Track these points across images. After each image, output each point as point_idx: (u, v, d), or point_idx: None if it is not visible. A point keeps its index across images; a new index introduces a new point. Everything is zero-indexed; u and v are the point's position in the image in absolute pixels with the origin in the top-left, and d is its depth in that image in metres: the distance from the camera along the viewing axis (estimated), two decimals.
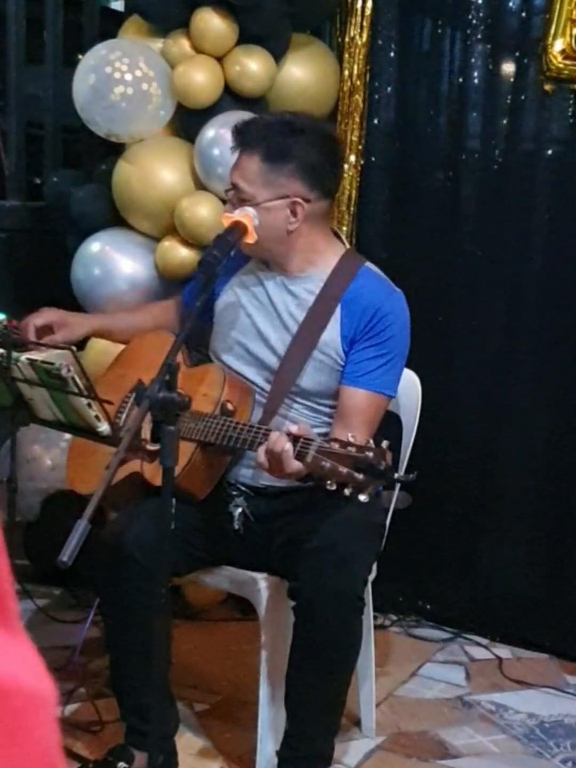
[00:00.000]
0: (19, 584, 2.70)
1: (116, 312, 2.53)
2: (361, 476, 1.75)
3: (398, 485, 2.29)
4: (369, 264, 2.19)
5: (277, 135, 2.05)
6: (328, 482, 1.78)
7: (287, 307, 2.14)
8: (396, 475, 1.81)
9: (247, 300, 2.19)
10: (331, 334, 2.09)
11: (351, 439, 1.79)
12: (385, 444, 1.78)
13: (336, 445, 1.79)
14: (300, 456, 1.81)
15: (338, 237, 2.24)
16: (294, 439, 1.84)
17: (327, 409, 2.14)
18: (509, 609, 2.94)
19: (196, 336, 2.25)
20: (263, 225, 2.05)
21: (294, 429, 1.86)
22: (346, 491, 1.76)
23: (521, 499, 2.92)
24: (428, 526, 2.96)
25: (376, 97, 2.90)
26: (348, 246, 2.26)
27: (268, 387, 2.13)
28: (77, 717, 2.37)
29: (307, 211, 2.07)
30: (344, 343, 2.09)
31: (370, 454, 1.76)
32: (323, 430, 2.10)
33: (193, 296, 2.24)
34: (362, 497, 1.77)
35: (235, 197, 2.09)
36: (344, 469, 1.76)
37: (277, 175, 2.04)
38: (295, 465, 1.81)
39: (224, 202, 2.18)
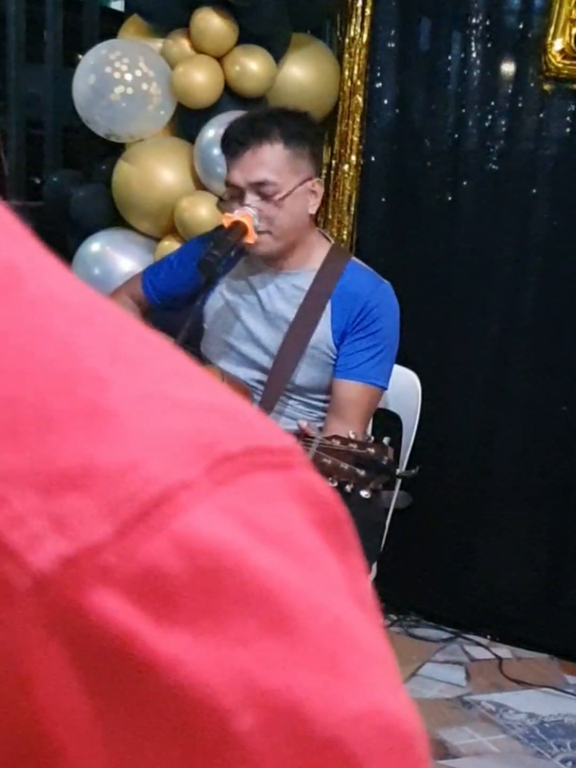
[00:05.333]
0: None
1: None
2: (363, 472, 1.75)
3: (398, 485, 2.30)
4: (355, 258, 2.21)
5: (289, 120, 2.05)
6: (330, 479, 1.78)
7: (277, 305, 2.14)
8: (398, 471, 1.82)
9: (237, 302, 2.19)
10: (323, 329, 2.10)
11: (352, 436, 1.79)
12: (386, 440, 1.78)
13: (337, 442, 1.80)
14: None
15: (321, 233, 2.26)
16: (295, 435, 1.84)
17: (321, 404, 2.15)
18: (509, 609, 2.94)
19: (189, 337, 2.26)
20: (291, 212, 2.04)
21: (302, 424, 1.87)
22: (348, 488, 1.77)
23: (521, 498, 2.92)
24: (428, 526, 2.96)
25: (376, 97, 2.90)
26: (332, 241, 2.27)
27: (262, 386, 2.14)
28: None
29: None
30: (336, 338, 2.10)
31: (372, 450, 1.76)
32: (318, 425, 2.10)
33: (159, 294, 2.27)
34: (364, 493, 1.77)
35: (254, 198, 2.01)
36: (346, 466, 1.77)
37: (300, 159, 2.05)
38: None
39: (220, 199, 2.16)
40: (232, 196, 2.05)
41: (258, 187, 2.01)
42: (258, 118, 2.06)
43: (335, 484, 1.79)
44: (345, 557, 0.29)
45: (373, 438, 1.82)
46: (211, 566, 0.25)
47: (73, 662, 0.24)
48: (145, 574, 0.25)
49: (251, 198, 2.01)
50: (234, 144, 2.04)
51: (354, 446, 1.78)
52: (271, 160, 2.01)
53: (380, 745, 0.27)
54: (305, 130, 2.08)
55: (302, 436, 1.85)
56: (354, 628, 0.28)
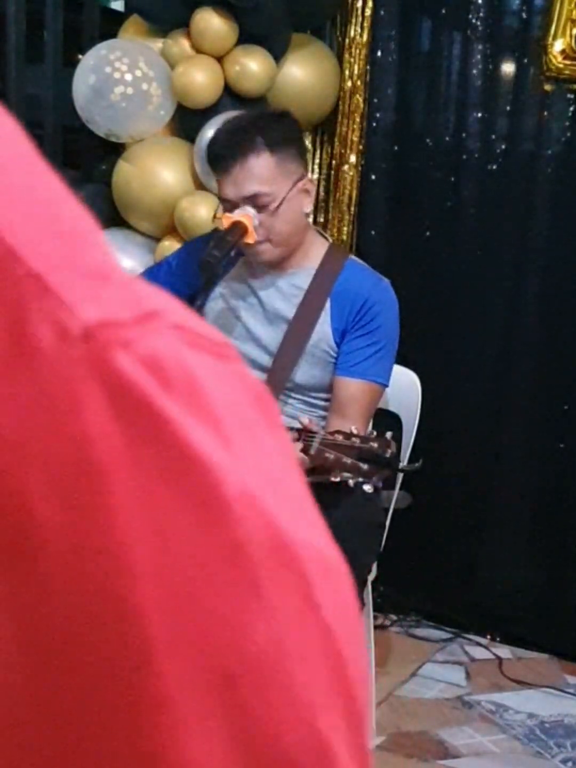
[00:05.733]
0: None
1: None
2: (365, 466, 1.76)
3: (398, 483, 2.30)
4: (353, 257, 2.21)
5: (271, 125, 2.04)
6: (332, 474, 1.78)
7: (276, 304, 2.15)
8: (401, 465, 1.82)
9: (236, 303, 2.19)
10: (323, 328, 2.10)
11: (354, 431, 1.80)
12: (388, 434, 1.79)
13: (340, 437, 1.80)
14: (304, 449, 1.82)
15: (318, 232, 2.26)
16: (298, 431, 1.85)
17: (322, 403, 2.15)
18: (509, 609, 2.94)
19: None
20: (288, 219, 2.04)
21: (305, 420, 1.87)
22: (350, 482, 1.77)
23: (521, 499, 2.92)
24: (428, 526, 2.96)
25: (376, 97, 2.90)
26: (330, 240, 2.27)
27: None
28: None
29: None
30: (336, 336, 2.10)
31: (375, 444, 1.77)
32: (319, 423, 2.10)
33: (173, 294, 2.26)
34: (367, 487, 1.78)
35: (250, 210, 2.01)
36: (348, 460, 1.77)
37: (288, 162, 2.04)
38: (299, 456, 1.83)
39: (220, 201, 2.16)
40: (227, 209, 2.05)
41: (252, 199, 2.01)
42: (239, 130, 2.04)
43: (337, 479, 1.79)
44: (276, 432, 0.35)
45: (375, 432, 1.82)
46: (188, 381, 0.31)
47: (108, 404, 0.29)
48: (153, 358, 0.30)
49: (247, 210, 2.02)
50: (221, 159, 2.04)
51: (357, 441, 1.79)
52: (259, 171, 2.01)
53: (318, 567, 0.33)
54: (288, 131, 2.07)
55: (305, 431, 1.85)
56: (290, 481, 0.34)
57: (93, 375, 0.29)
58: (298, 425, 1.91)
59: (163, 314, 0.31)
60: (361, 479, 1.77)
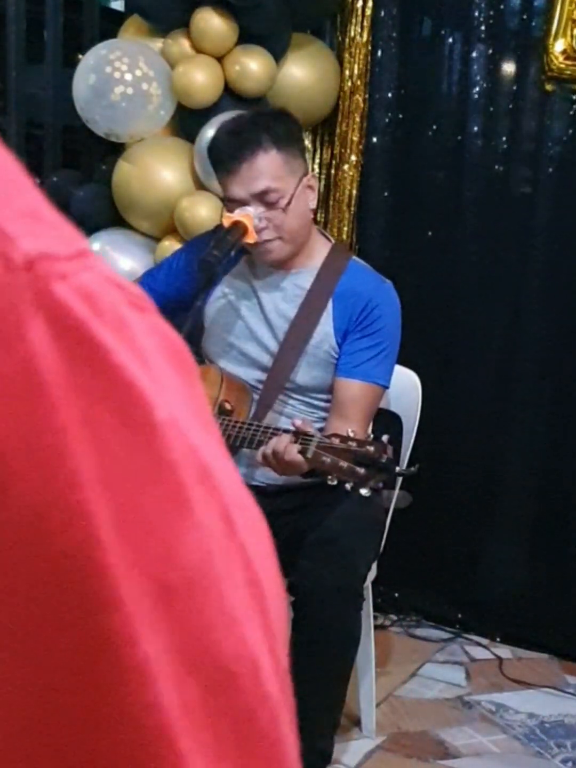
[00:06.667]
0: None
1: None
2: (362, 470, 1.76)
3: (398, 485, 2.30)
4: (356, 258, 2.21)
5: (275, 123, 2.05)
6: (329, 477, 1.78)
7: (278, 304, 2.15)
8: (397, 469, 1.82)
9: (238, 301, 2.19)
10: (325, 328, 2.10)
11: (351, 434, 1.80)
12: (385, 438, 1.79)
13: (336, 440, 1.80)
14: (301, 452, 1.82)
15: (321, 232, 2.26)
16: (294, 434, 1.85)
17: (322, 404, 2.15)
18: (509, 609, 2.94)
19: (189, 336, 2.26)
20: (298, 214, 2.05)
21: (298, 423, 1.87)
22: (348, 486, 1.77)
23: (522, 498, 2.92)
24: (429, 526, 2.95)
25: (376, 97, 2.90)
26: (333, 240, 2.27)
27: (262, 385, 2.14)
28: None
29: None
30: (337, 337, 2.10)
31: (371, 449, 1.77)
32: (319, 424, 2.10)
33: (161, 291, 2.26)
34: (364, 491, 1.78)
35: (259, 209, 2.01)
36: (345, 464, 1.78)
37: (293, 159, 2.06)
38: (297, 459, 1.83)
39: (224, 201, 2.16)
40: (231, 210, 2.05)
41: (262, 196, 2.01)
42: (244, 129, 2.04)
43: (335, 482, 1.79)
44: (190, 382, 0.37)
45: (372, 436, 1.82)
46: (117, 314, 0.33)
47: (48, 328, 0.32)
48: (86, 290, 0.32)
49: (256, 209, 2.01)
50: (227, 159, 2.03)
51: (353, 444, 1.79)
52: (268, 167, 2.01)
53: (235, 498, 0.36)
54: (290, 128, 2.08)
55: (301, 434, 1.85)
56: (205, 425, 0.37)
57: (34, 301, 0.31)
58: (292, 427, 1.91)
59: (92, 257, 0.34)
60: (357, 483, 1.77)
